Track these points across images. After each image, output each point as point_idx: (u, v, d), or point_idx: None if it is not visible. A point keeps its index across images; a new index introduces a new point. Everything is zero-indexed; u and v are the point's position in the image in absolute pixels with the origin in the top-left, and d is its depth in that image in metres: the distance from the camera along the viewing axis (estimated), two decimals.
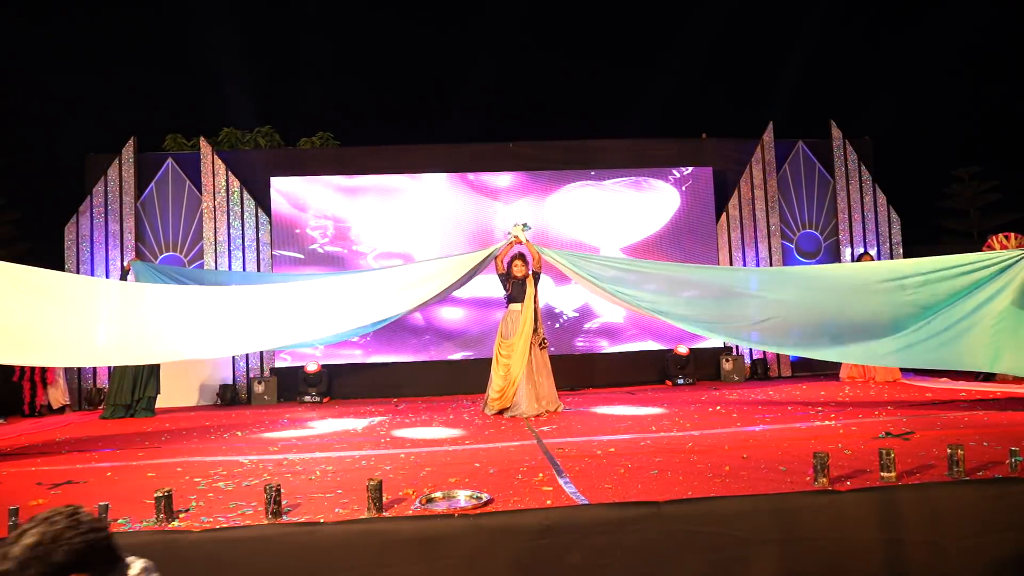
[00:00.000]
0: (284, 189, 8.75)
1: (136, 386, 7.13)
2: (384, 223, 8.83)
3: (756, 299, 5.94)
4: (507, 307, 6.49)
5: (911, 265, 5.65)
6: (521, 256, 6.43)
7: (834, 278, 5.99)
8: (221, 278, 7.33)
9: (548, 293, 8.52)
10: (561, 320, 8.89)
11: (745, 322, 5.99)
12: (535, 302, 6.35)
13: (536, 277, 6.40)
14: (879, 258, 9.18)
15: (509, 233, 6.47)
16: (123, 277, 7.32)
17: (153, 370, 7.22)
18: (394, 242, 8.82)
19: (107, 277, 8.26)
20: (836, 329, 5.71)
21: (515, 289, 6.40)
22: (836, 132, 9.37)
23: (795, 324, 5.88)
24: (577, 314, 8.92)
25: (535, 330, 6.34)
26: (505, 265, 6.43)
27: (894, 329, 5.51)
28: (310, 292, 6.08)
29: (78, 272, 8.39)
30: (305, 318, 5.81)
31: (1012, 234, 7.97)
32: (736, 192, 9.21)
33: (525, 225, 6.44)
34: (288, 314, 5.77)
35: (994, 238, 8.05)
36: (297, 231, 8.73)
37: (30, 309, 4.76)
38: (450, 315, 8.80)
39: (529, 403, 6.15)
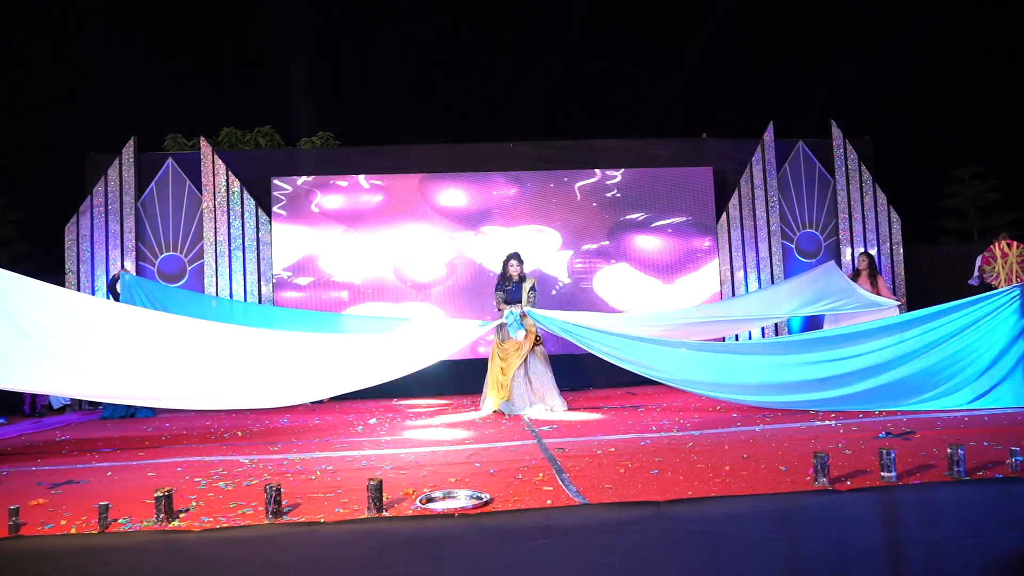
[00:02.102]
0: (284, 189, 8.76)
1: None
2: (384, 223, 8.84)
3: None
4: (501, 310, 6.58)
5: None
6: (516, 256, 6.54)
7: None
8: (204, 306, 7.21)
9: (543, 262, 8.84)
10: (556, 286, 8.93)
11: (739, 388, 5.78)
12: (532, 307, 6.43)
13: (533, 290, 6.50)
14: (879, 258, 9.18)
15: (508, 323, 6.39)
16: (112, 284, 7.31)
17: None
18: (395, 242, 8.82)
19: (107, 277, 8.26)
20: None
21: (510, 293, 6.49)
22: (836, 132, 9.37)
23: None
24: (570, 280, 8.96)
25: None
26: (501, 265, 6.60)
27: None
28: (302, 348, 5.60)
29: (78, 272, 8.39)
30: (292, 378, 5.36)
31: (1015, 243, 7.95)
32: (736, 192, 9.21)
33: (523, 317, 6.36)
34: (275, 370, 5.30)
35: (998, 244, 8.03)
36: (297, 232, 8.73)
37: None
38: (451, 315, 8.79)
39: (522, 400, 6.28)
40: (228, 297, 8.58)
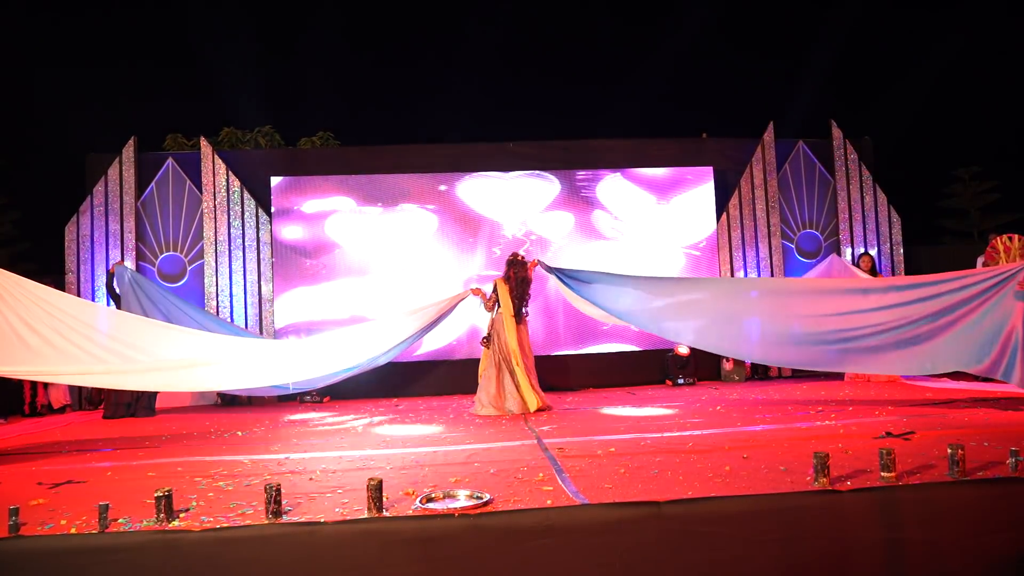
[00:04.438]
0: (284, 189, 8.76)
1: None
2: (384, 223, 8.84)
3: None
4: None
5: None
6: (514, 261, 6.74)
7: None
8: (193, 315, 7.40)
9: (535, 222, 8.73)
10: (551, 247, 8.98)
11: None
12: (510, 307, 6.57)
13: (516, 287, 6.59)
14: (879, 258, 9.18)
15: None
16: (109, 279, 7.35)
17: None
18: (394, 244, 8.82)
19: (107, 277, 8.26)
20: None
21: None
22: (836, 132, 9.37)
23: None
24: (566, 241, 8.99)
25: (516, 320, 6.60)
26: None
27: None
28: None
29: (78, 272, 8.39)
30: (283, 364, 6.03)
31: (1016, 236, 7.94)
32: (736, 192, 9.21)
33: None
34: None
35: (998, 239, 8.02)
36: (297, 232, 8.73)
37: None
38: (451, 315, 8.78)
39: (513, 399, 6.37)
40: (228, 297, 8.59)
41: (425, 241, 8.87)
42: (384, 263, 8.80)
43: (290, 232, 8.74)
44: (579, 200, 9.04)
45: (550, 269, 6.63)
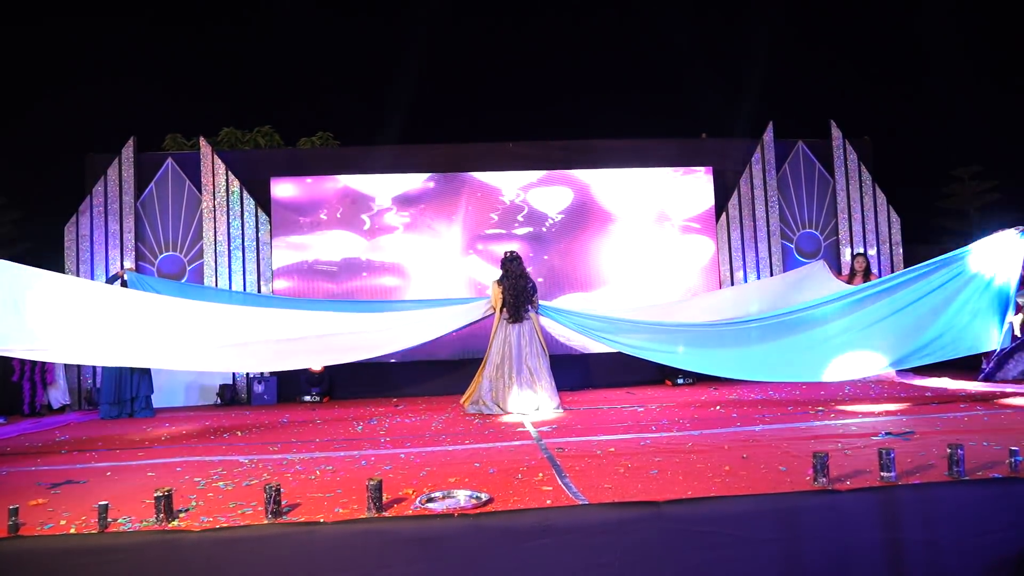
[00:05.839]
0: (284, 189, 8.75)
1: (121, 385, 7.10)
2: (383, 224, 8.83)
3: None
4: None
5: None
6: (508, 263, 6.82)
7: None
8: (212, 297, 7.38)
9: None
10: (547, 223, 8.98)
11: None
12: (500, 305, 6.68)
13: (511, 285, 6.59)
14: (879, 258, 9.19)
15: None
16: (111, 283, 7.32)
17: (144, 369, 7.19)
18: (393, 246, 8.81)
19: (106, 277, 8.26)
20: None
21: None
22: (836, 132, 9.37)
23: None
24: (563, 216, 9.00)
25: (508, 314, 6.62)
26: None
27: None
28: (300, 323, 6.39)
29: (78, 272, 8.39)
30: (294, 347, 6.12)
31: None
32: (736, 192, 9.21)
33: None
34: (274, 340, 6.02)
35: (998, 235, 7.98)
36: (296, 232, 8.72)
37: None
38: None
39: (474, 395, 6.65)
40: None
41: (422, 211, 8.87)
42: (380, 234, 8.82)
43: (288, 199, 8.74)
44: (577, 179, 9.05)
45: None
